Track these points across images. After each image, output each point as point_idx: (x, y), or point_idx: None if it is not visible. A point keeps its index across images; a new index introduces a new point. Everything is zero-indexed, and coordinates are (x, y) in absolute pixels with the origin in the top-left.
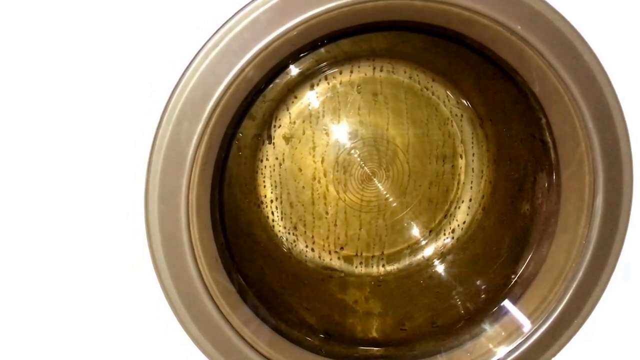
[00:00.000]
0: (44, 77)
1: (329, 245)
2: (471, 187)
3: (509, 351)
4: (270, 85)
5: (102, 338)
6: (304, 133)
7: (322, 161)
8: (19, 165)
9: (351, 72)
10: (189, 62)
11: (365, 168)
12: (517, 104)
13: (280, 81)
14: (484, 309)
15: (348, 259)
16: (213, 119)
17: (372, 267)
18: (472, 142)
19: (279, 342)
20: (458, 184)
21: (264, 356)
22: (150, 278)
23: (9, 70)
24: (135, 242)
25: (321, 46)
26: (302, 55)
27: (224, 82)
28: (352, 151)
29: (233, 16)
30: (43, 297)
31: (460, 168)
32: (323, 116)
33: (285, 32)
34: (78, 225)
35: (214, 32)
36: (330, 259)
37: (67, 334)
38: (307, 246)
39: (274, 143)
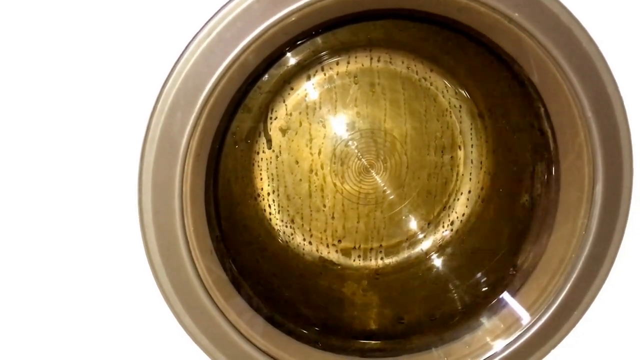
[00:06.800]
0: (32, 67)
1: (326, 238)
2: (470, 178)
3: (508, 344)
4: (266, 77)
5: (95, 330)
6: (300, 125)
7: (319, 153)
8: (12, 159)
9: (348, 62)
10: (182, 51)
11: (363, 160)
12: (515, 94)
13: (276, 72)
14: (483, 301)
15: (346, 252)
16: (206, 110)
17: (370, 259)
18: (471, 133)
19: (274, 334)
20: (457, 175)
21: (259, 349)
22: (144, 270)
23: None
24: (128, 233)
25: (317, 35)
26: (298, 43)
27: (217, 72)
28: (350, 143)
29: (226, 4)
30: (35, 289)
31: (459, 159)
32: (320, 108)
33: (279, 20)
34: (70, 217)
35: (207, 20)
36: (328, 252)
37: (59, 326)
38: (304, 239)
39: (270, 135)
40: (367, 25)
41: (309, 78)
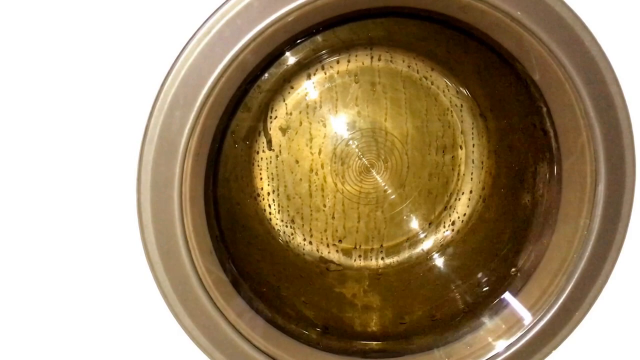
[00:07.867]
0: (31, 66)
1: (327, 238)
2: (471, 178)
3: (509, 344)
4: (266, 75)
5: (94, 330)
6: (300, 124)
7: (320, 153)
8: (11, 159)
9: (349, 61)
10: (181, 49)
11: (364, 160)
12: (517, 93)
13: (276, 71)
14: (484, 301)
15: (346, 252)
16: (206, 109)
17: (371, 260)
18: (472, 133)
19: (274, 335)
20: (458, 175)
21: (260, 349)
22: (143, 270)
23: None
24: (127, 233)
25: (317, 34)
26: (298, 41)
27: (216, 70)
28: (350, 142)
29: (226, 2)
30: (33, 290)
31: (460, 159)
32: (320, 107)
33: (280, 18)
34: (69, 216)
35: (207, 18)
36: (329, 252)
37: (59, 326)
38: (304, 239)
39: (270, 135)
40: (368, 24)
41: (309, 77)
